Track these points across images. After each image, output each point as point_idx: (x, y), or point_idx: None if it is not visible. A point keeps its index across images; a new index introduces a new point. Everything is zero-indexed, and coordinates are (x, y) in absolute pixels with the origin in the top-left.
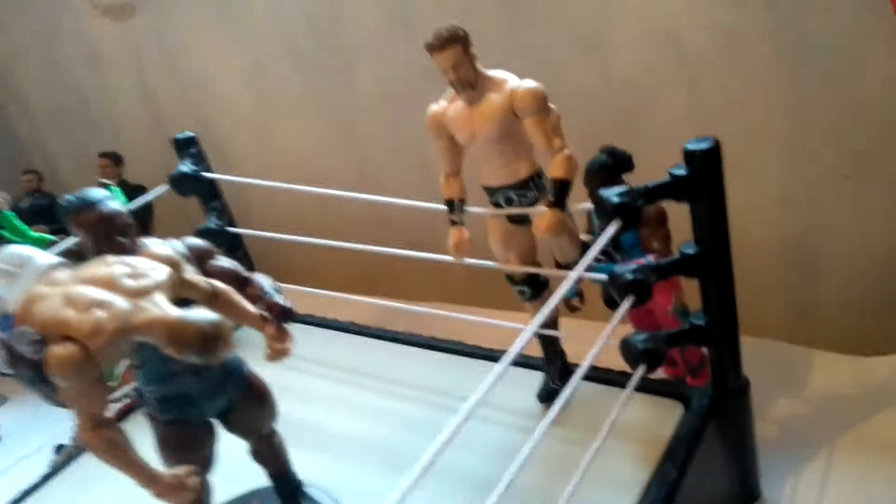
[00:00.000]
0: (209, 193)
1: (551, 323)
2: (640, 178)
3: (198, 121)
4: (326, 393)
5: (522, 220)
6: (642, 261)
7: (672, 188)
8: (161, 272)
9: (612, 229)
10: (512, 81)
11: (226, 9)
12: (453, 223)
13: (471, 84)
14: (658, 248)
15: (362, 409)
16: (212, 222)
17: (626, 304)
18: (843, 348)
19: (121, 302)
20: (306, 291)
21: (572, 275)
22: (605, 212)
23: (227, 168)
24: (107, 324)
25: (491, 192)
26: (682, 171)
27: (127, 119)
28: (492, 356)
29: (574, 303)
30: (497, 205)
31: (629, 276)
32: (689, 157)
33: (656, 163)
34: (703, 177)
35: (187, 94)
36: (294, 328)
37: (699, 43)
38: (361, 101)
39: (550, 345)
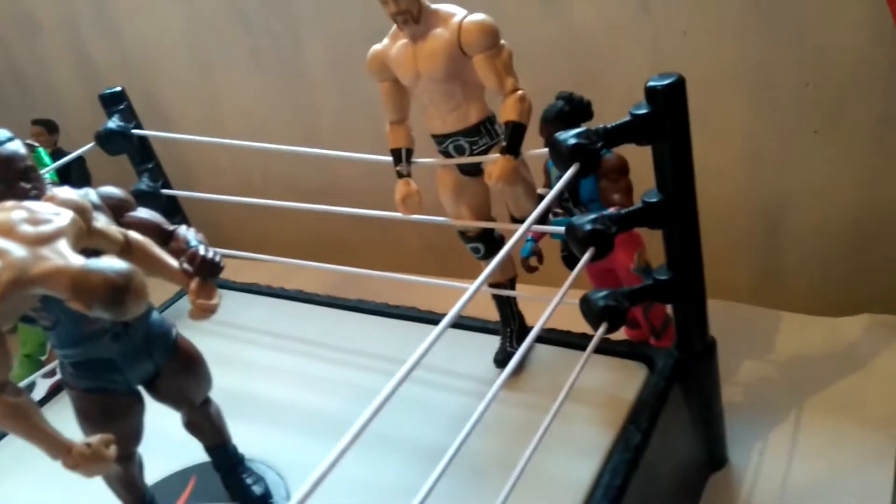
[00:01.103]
0: (140, 153)
1: (507, 283)
2: None
3: (139, 88)
4: (273, 364)
5: (475, 171)
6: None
7: (633, 129)
8: (65, 218)
9: (569, 174)
10: (459, 15)
11: None
12: (400, 175)
13: (413, 17)
14: (619, 200)
15: (312, 379)
16: (143, 184)
17: (585, 258)
18: (812, 310)
19: (18, 250)
20: (253, 258)
21: (525, 224)
22: (560, 155)
23: (171, 150)
24: (0, 274)
25: (440, 140)
26: (643, 110)
27: (64, 86)
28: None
29: (531, 262)
30: (447, 154)
31: (588, 227)
32: (651, 93)
33: (618, 116)
34: (665, 115)
35: (127, 59)
36: (240, 298)
37: None
38: (311, 66)
39: (505, 305)
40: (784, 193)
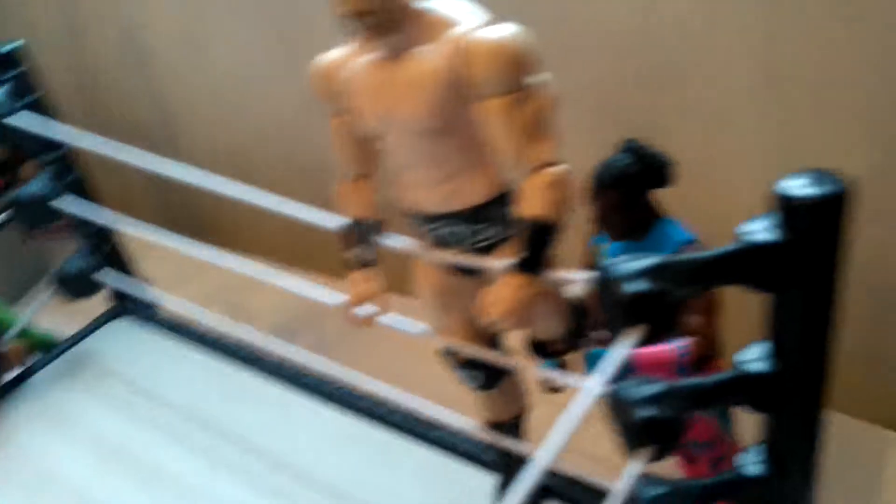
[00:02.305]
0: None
1: (511, 422)
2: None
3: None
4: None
5: (476, 271)
6: (667, 356)
7: (744, 262)
8: None
9: (626, 344)
10: (465, 24)
11: None
12: (356, 264)
13: (386, 21)
14: (696, 325)
15: None
16: (35, 186)
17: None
18: None
19: None
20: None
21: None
22: (611, 306)
23: (155, 97)
24: None
25: (423, 220)
26: (765, 236)
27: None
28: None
29: (554, 384)
30: (434, 240)
31: (639, 416)
32: (789, 208)
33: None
34: (807, 248)
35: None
36: (154, 346)
37: None
38: (312, 17)
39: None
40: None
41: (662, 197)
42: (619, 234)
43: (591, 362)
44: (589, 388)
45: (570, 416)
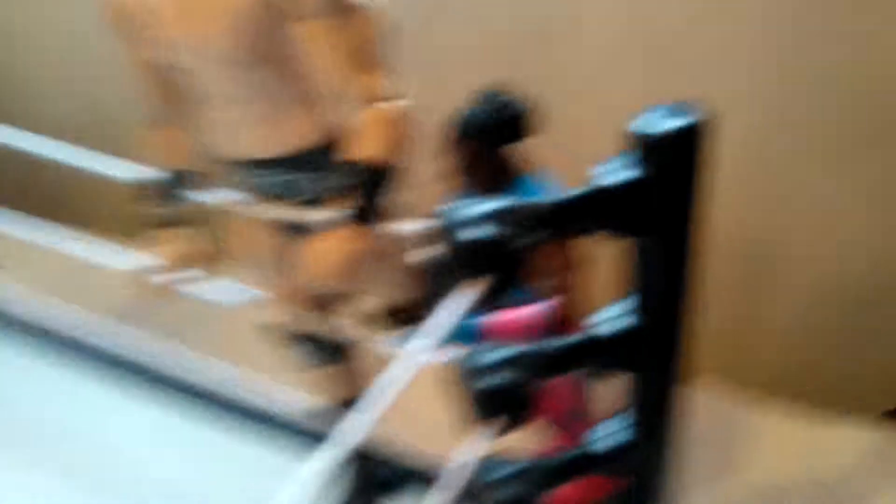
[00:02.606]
0: None
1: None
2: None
3: None
4: None
5: (307, 228)
6: (520, 318)
7: (600, 209)
8: None
9: (467, 293)
10: None
11: None
12: (168, 221)
13: None
14: (552, 283)
15: None
16: None
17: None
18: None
19: None
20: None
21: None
22: (454, 256)
23: None
24: None
25: (243, 168)
26: (619, 176)
27: None
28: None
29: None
30: (256, 193)
31: (486, 384)
32: (645, 145)
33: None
34: (667, 187)
35: None
36: None
37: None
38: None
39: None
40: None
41: (531, 151)
42: (477, 189)
43: (459, 331)
44: (411, 352)
45: (390, 384)
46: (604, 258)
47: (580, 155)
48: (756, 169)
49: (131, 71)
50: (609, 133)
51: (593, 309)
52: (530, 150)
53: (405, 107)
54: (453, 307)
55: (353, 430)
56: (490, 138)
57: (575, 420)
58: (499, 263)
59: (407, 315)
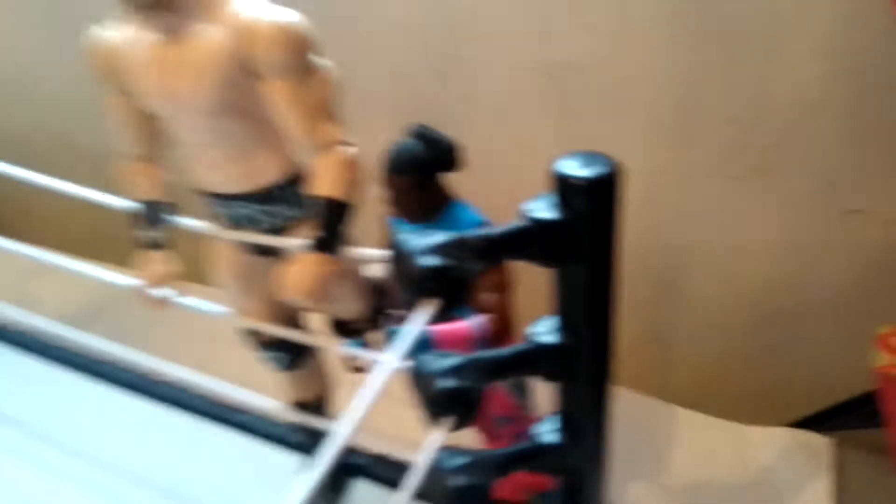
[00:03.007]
0: None
1: (314, 403)
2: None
3: None
4: None
5: (274, 251)
6: (465, 332)
7: (531, 241)
8: None
9: (420, 318)
10: (241, 4)
11: None
12: (148, 245)
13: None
14: (489, 303)
15: None
16: None
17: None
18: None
19: None
20: None
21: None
22: (405, 281)
23: None
24: None
25: (215, 201)
26: (545, 214)
27: None
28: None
29: (358, 363)
30: (229, 221)
31: (439, 386)
32: (563, 188)
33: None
34: (587, 225)
35: None
36: None
37: None
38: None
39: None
40: (681, 253)
41: (453, 181)
42: (413, 217)
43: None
44: (385, 361)
45: (369, 389)
46: (530, 279)
47: (493, 185)
48: (662, 188)
49: (111, 111)
50: (517, 165)
51: (522, 324)
52: (451, 180)
53: (357, 153)
54: (417, 323)
55: (341, 435)
56: (423, 171)
57: (501, 426)
58: (449, 287)
59: (351, 327)
